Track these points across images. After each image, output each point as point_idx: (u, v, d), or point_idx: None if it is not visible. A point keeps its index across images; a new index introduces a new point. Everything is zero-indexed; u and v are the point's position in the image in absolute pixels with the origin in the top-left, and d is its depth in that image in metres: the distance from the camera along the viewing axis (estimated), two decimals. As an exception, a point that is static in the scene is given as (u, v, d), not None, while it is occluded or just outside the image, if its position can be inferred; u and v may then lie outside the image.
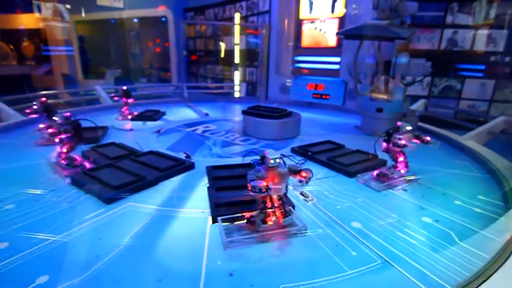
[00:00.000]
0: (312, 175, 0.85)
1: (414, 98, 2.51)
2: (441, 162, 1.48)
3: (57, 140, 1.24)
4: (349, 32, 1.78)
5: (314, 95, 3.14)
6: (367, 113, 2.06)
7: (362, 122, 2.16)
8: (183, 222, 0.94)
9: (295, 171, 0.84)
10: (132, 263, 0.75)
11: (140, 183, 1.14)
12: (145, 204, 1.03)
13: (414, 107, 2.42)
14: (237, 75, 4.15)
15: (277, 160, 0.81)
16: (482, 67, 2.42)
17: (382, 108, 1.96)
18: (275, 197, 0.85)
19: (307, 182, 0.84)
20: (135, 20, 5.53)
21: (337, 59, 2.84)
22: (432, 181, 1.25)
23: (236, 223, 0.91)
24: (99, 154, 1.45)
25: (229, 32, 4.20)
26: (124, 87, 2.30)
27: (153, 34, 5.67)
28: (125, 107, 2.31)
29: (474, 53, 2.39)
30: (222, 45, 4.50)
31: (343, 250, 0.81)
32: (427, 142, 1.15)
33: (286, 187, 0.87)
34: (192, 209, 1.02)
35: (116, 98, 2.31)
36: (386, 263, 0.76)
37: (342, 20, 2.77)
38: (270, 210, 0.84)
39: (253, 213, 0.89)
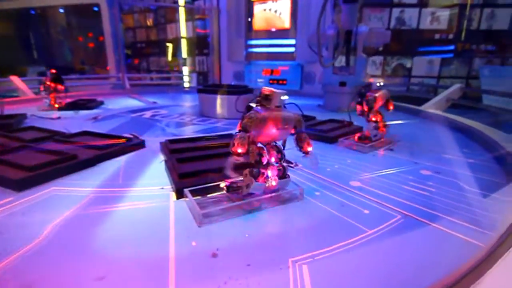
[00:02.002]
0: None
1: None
2: (413, 128, 1.48)
3: None
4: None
5: (271, 81, 3.02)
6: (330, 88, 1.97)
7: (325, 99, 2.07)
8: (135, 202, 0.68)
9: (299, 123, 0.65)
10: (53, 260, 0.48)
11: (69, 163, 0.84)
12: (77, 187, 0.74)
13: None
14: (185, 69, 3.85)
15: (285, 97, 0.61)
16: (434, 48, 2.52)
17: (346, 81, 1.89)
18: (274, 150, 0.65)
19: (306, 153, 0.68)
20: (61, 10, 4.85)
21: (292, 41, 2.74)
22: (413, 141, 1.19)
23: (210, 195, 0.68)
24: (8, 138, 1.09)
25: (174, 19, 3.86)
26: (53, 70, 1.88)
27: (84, 27, 5.03)
28: (53, 94, 1.89)
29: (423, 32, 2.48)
30: (170, 46, 4.16)
31: (353, 209, 0.64)
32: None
33: (285, 142, 0.68)
34: (147, 186, 0.76)
35: (42, 89, 1.88)
36: (408, 218, 0.61)
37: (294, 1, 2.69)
38: (264, 167, 0.64)
39: (235, 179, 0.67)
